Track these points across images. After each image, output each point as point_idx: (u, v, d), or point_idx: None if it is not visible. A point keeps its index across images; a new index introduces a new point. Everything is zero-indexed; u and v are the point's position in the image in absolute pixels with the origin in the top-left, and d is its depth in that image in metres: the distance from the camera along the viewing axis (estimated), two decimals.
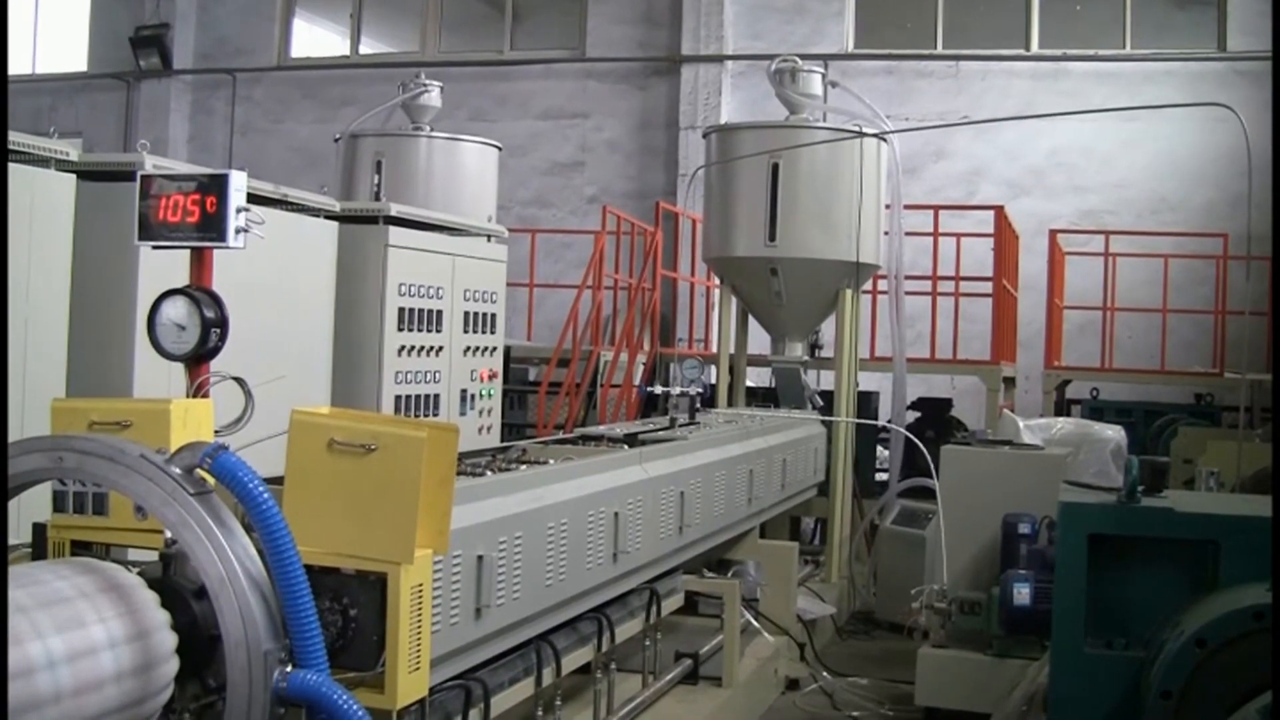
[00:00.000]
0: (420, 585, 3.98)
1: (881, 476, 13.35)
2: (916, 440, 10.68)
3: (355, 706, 3.40)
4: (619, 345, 13.91)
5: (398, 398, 8.11)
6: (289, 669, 3.43)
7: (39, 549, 4.18)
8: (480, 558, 5.00)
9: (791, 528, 12.31)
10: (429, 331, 8.46)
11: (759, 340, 12.89)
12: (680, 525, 7.29)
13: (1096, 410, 14.64)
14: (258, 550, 3.53)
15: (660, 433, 8.14)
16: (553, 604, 5.78)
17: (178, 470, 3.49)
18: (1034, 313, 16.70)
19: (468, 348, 8.90)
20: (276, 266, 7.06)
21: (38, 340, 5.92)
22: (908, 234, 12.98)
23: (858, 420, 12.17)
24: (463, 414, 8.80)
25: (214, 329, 4.78)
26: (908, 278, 12.94)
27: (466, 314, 8.88)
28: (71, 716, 3.17)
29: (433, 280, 8.53)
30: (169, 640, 3.50)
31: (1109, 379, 15.83)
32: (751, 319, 12.75)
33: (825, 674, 9.44)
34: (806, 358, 12.46)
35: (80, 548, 4.07)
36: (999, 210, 14.58)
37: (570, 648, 6.15)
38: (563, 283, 17.38)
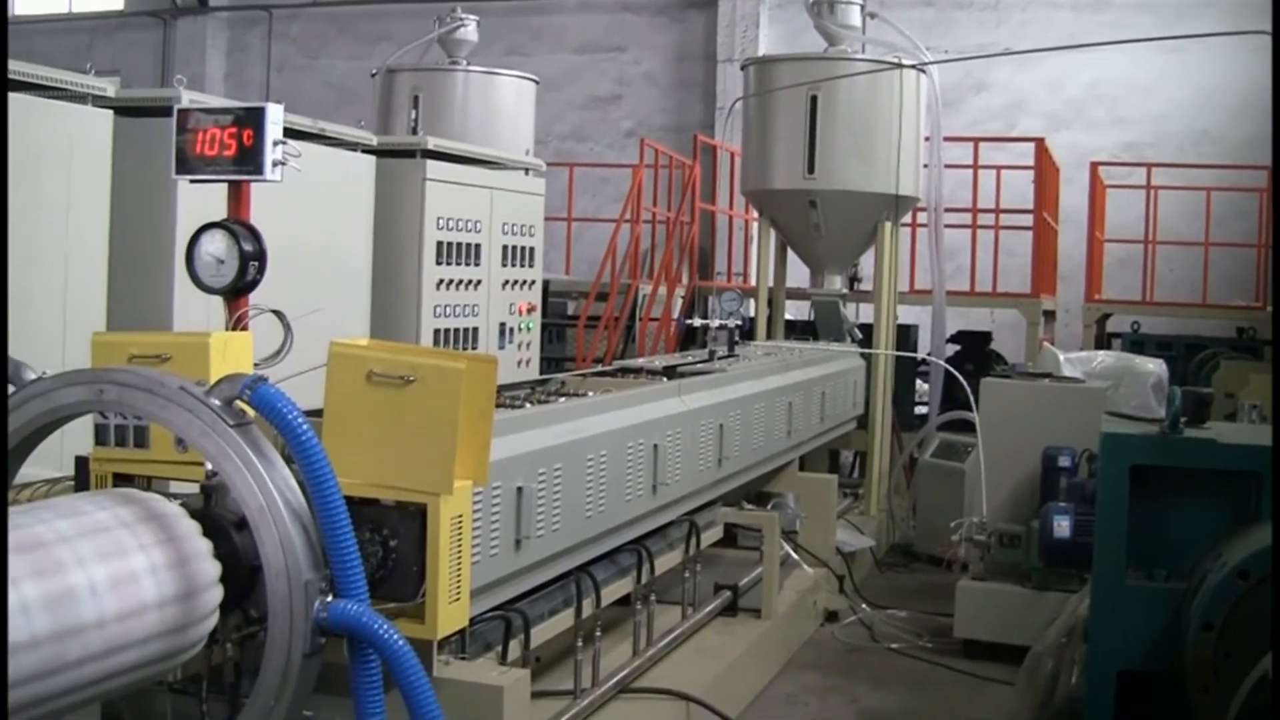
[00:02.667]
0: (460, 516, 3.99)
1: (920, 410, 13.30)
2: (956, 373, 10.65)
3: (396, 636, 3.42)
4: (657, 279, 13.87)
5: (436, 331, 8.11)
6: (329, 599, 3.44)
7: (81, 481, 4.20)
8: (520, 489, 5.02)
9: (830, 461, 12.29)
10: (467, 265, 8.45)
11: (798, 273, 12.84)
12: (719, 457, 7.29)
13: (1137, 344, 14.53)
14: (297, 481, 3.54)
15: (699, 365, 8.13)
16: (592, 536, 5.80)
17: (217, 402, 3.49)
18: (1074, 246, 16.59)
19: (506, 281, 8.89)
20: (315, 200, 7.06)
21: (77, 275, 5.93)
22: (947, 167, 12.88)
23: (897, 353, 12.13)
24: (501, 347, 8.80)
25: (252, 262, 4.79)
26: (947, 210, 12.84)
27: (505, 247, 8.86)
28: (115, 642, 3.20)
29: (471, 214, 8.52)
30: (210, 569, 3.52)
31: (1150, 313, 15.70)
32: (790, 252, 12.70)
33: (864, 606, 9.45)
34: (845, 291, 12.42)
35: (122, 480, 4.09)
36: (1039, 143, 14.46)
37: (610, 579, 6.17)
38: (600, 217, 17.34)
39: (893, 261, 12.01)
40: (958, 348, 13.51)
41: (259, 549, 3.46)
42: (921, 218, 13.20)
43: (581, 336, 13.03)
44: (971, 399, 9.45)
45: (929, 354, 12.60)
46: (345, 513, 3.43)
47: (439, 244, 8.17)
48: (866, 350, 11.66)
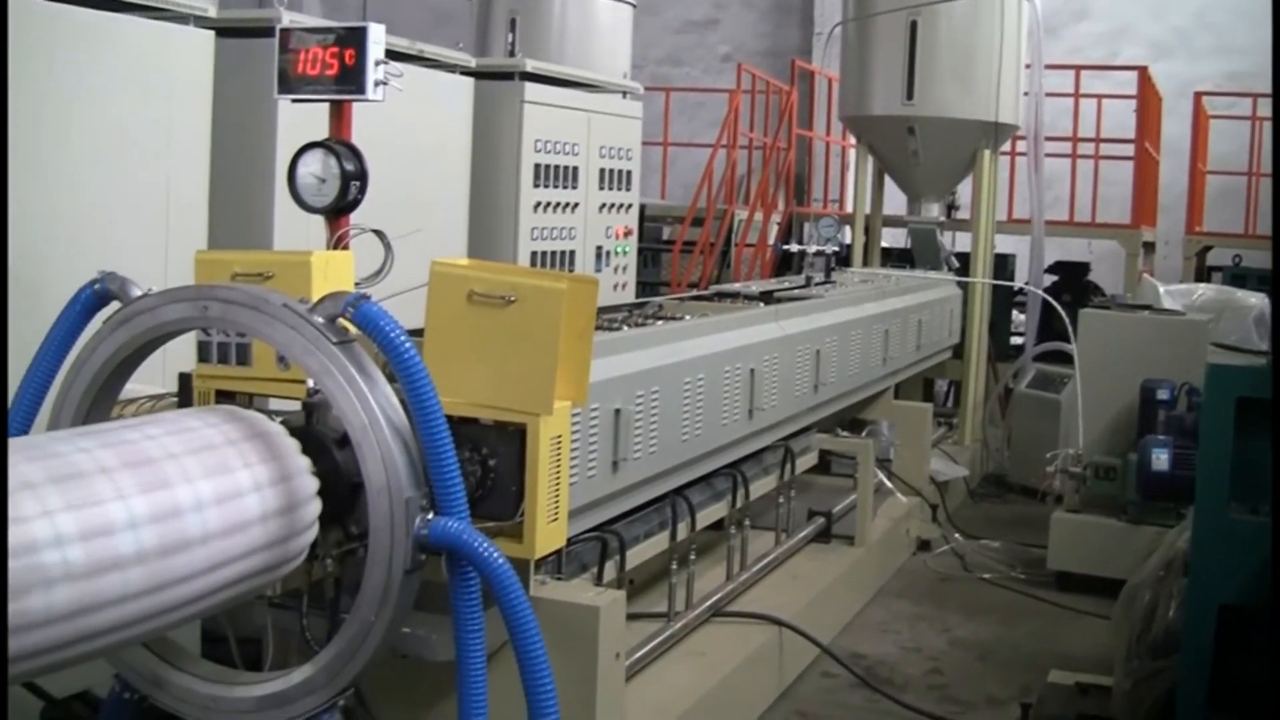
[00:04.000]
0: (559, 437, 4.00)
1: (1016, 340, 13.21)
2: (1054, 303, 10.54)
3: (497, 554, 3.43)
4: (753, 205, 13.81)
5: (533, 254, 8.09)
6: (430, 517, 3.46)
7: (184, 398, 4.25)
8: (618, 411, 5.02)
9: (925, 390, 12.23)
10: (564, 188, 8.43)
11: (895, 200, 12.74)
12: (815, 383, 7.27)
13: (1238, 278, 14.28)
14: (398, 400, 3.55)
15: (796, 291, 8.10)
16: (688, 459, 5.81)
17: (320, 319, 3.51)
18: (1175, 176, 16.32)
19: (603, 204, 8.85)
20: (413, 122, 7.05)
21: (178, 195, 5.96)
22: (1048, 95, 12.72)
23: (994, 282, 12.03)
24: (598, 270, 8.78)
25: (354, 182, 4.80)
26: (1047, 139, 12.68)
27: (602, 171, 8.82)
28: (219, 556, 3.24)
29: (568, 137, 8.48)
30: (311, 484, 3.55)
31: (1252, 246, 15.42)
32: (887, 179, 12.60)
33: (957, 536, 9.43)
34: (942, 219, 12.32)
35: (224, 397, 4.13)
36: (1142, 71, 14.21)
37: (705, 503, 6.19)
38: (696, 142, 17.24)
39: (991, 190, 11.88)
40: (1055, 278, 13.36)
41: (360, 466, 3.48)
42: (1021, 146, 13.06)
43: (677, 261, 13.01)
44: (1070, 330, 9.35)
45: (1026, 284, 12.49)
46: (447, 430, 3.45)
47: (536, 167, 8.15)
48: (963, 279, 11.57)
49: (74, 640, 2.95)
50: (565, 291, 3.91)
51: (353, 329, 3.57)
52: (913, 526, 9.08)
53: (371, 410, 3.45)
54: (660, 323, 6.07)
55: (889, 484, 8.88)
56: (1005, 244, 13.43)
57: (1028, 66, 11.98)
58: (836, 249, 9.71)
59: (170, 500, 3.17)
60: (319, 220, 5.04)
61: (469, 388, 3.90)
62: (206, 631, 5.52)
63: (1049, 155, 12.93)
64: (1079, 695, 5.76)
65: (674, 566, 5.89)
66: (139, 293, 3.76)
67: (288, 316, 3.52)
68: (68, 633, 2.91)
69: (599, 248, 8.85)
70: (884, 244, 13.10)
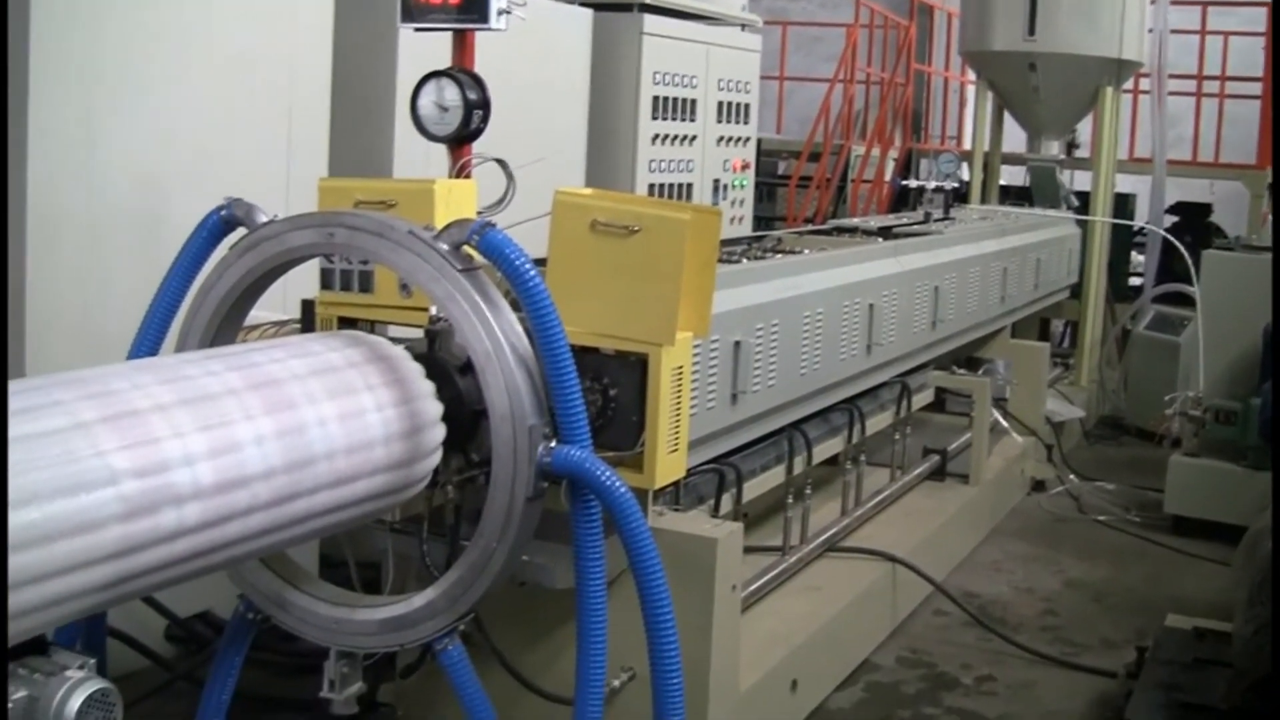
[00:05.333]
0: (680, 367, 4.00)
1: (1135, 281, 13.02)
2: (1177, 243, 10.37)
3: (619, 483, 3.44)
4: (870, 140, 13.70)
5: (650, 186, 8.08)
6: (553, 444, 3.47)
7: (306, 324, 4.29)
8: (738, 344, 5.01)
9: (1041, 329, 12.08)
10: (683, 120, 8.40)
11: (1014, 138, 12.56)
12: (933, 320, 7.21)
13: None
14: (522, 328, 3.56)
15: (915, 227, 8.02)
16: (806, 393, 5.79)
17: (445, 246, 3.52)
18: None
19: (721, 137, 8.82)
20: (533, 53, 7.05)
21: (300, 126, 6.00)
22: (1173, 31, 12.47)
23: (1114, 221, 11.84)
24: (714, 204, 8.75)
25: (476, 111, 4.81)
26: (1171, 77, 12.44)
27: (720, 104, 8.78)
28: (344, 473, 3.29)
29: (687, 69, 8.45)
30: (434, 408, 3.58)
31: None
32: (1007, 115, 12.42)
33: (1072, 477, 9.33)
34: (1063, 157, 12.12)
35: (346, 324, 4.16)
36: (1272, 7, 13.88)
37: (821, 438, 6.16)
38: (813, 76, 17.08)
39: (1112, 128, 11.67)
40: (1175, 219, 13.14)
41: (484, 393, 3.49)
42: (1144, 84, 12.83)
43: (793, 196, 12.95)
44: (1192, 271, 9.20)
45: (1146, 224, 12.30)
46: (571, 359, 3.45)
47: (655, 99, 8.13)
48: (1082, 218, 11.41)
49: (202, 553, 3.02)
50: (689, 222, 3.89)
51: (477, 256, 3.57)
52: (1027, 467, 9.00)
53: (496, 337, 3.45)
54: (779, 256, 6.04)
55: (1004, 423, 8.79)
56: (1125, 183, 13.19)
57: (1152, 2, 11.75)
58: (955, 185, 9.62)
59: (295, 419, 3.21)
60: (437, 151, 5.06)
61: (591, 317, 3.90)
62: (324, 556, 5.60)
63: (1172, 94, 12.68)
64: (1196, 640, 5.69)
65: (789, 500, 5.88)
66: (265, 219, 3.79)
67: (413, 243, 3.53)
68: (196, 546, 2.98)
69: (716, 181, 8.83)
70: (1002, 181, 12.93)
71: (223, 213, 3.85)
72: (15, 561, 2.57)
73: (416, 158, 6.01)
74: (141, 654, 5.36)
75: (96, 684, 2.76)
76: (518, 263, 3.44)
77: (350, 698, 3.84)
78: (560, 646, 4.48)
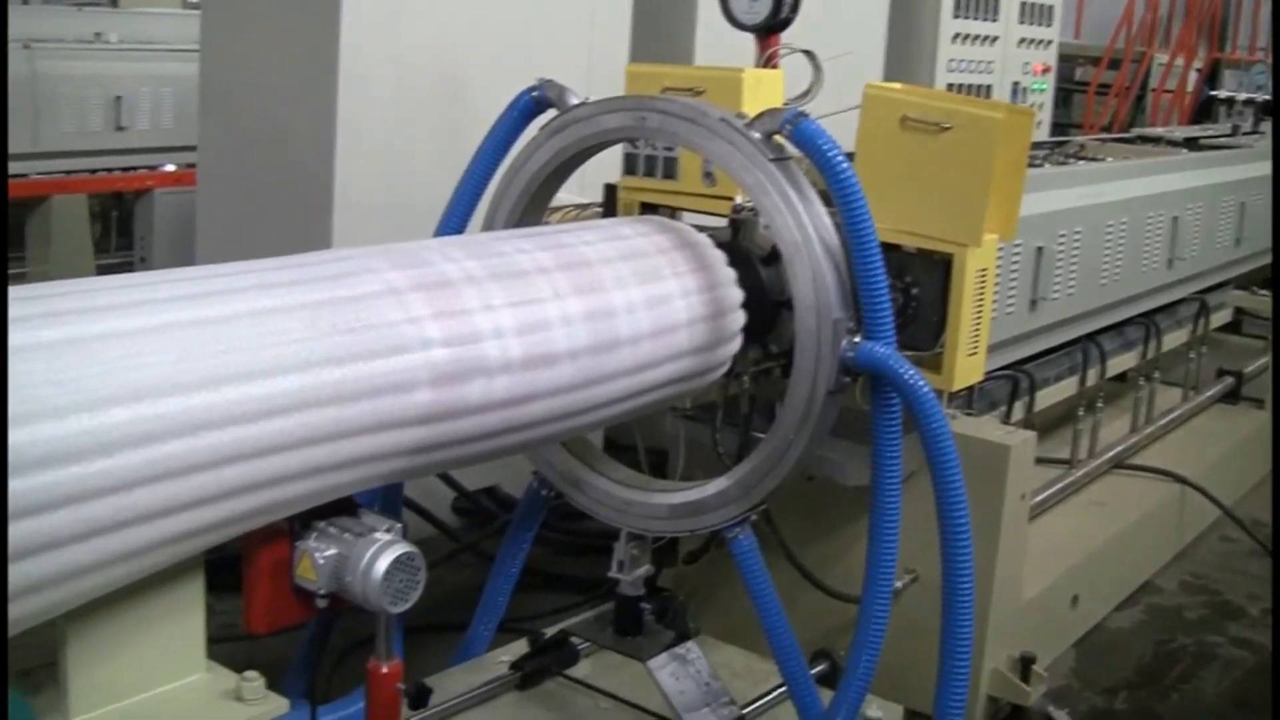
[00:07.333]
0: (984, 270, 3.92)
1: None
2: None
3: (922, 381, 3.39)
4: (1174, 49, 13.24)
5: (949, 85, 7.94)
6: (856, 339, 3.44)
7: (609, 208, 4.32)
8: (1040, 249, 4.91)
9: None
10: (985, 20, 8.23)
11: None
12: (1237, 236, 6.96)
13: None
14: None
15: (1222, 139, 7.74)
16: (1104, 304, 5.66)
17: (758, 135, 3.49)
18: None
19: (1022, 39, 8.61)
20: None
21: (601, 16, 6.03)
22: None
23: None
24: None
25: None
26: None
27: (1023, 4, 8.57)
28: (647, 357, 3.32)
29: None
30: (737, 294, 3.59)
31: None
32: None
33: None
34: None
35: (647, 209, 4.17)
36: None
37: (1116, 351, 6.01)
38: None
39: None
40: None
41: (791, 283, 3.46)
42: None
43: (1091, 103, 12.62)
44: None
45: None
46: (880, 255, 3.39)
47: None
48: None
49: (506, 430, 3.06)
50: (1002, 121, 3.79)
51: (788, 146, 3.53)
52: None
53: (805, 228, 3.42)
54: (1081, 163, 5.89)
55: None
56: None
57: None
58: (1267, 98, 9.23)
59: (603, 302, 3.23)
60: (738, 43, 5.00)
61: (896, 214, 3.84)
62: (608, 440, 5.67)
63: None
64: None
65: (1080, 413, 5.76)
66: (576, 101, 3.80)
67: (726, 130, 3.51)
68: (501, 421, 3.02)
69: (1015, 84, 8.64)
70: None
71: (534, 94, 3.86)
72: (337, 414, 2.66)
73: (718, 50, 5.98)
74: (430, 523, 5.51)
75: (403, 547, 2.83)
76: (830, 154, 3.39)
77: (638, 579, 3.88)
78: (843, 544, 4.48)
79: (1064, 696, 5.00)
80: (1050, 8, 8.89)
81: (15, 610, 2.28)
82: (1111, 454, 6.03)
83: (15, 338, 2.28)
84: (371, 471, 2.84)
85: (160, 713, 2.76)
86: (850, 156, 3.64)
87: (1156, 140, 7.44)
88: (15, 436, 2.19)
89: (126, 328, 2.45)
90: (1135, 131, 8.39)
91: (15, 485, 2.19)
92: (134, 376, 2.39)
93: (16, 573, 2.23)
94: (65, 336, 2.36)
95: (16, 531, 2.21)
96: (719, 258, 3.62)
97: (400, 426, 2.80)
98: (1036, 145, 6.36)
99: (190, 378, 2.46)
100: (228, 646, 3.07)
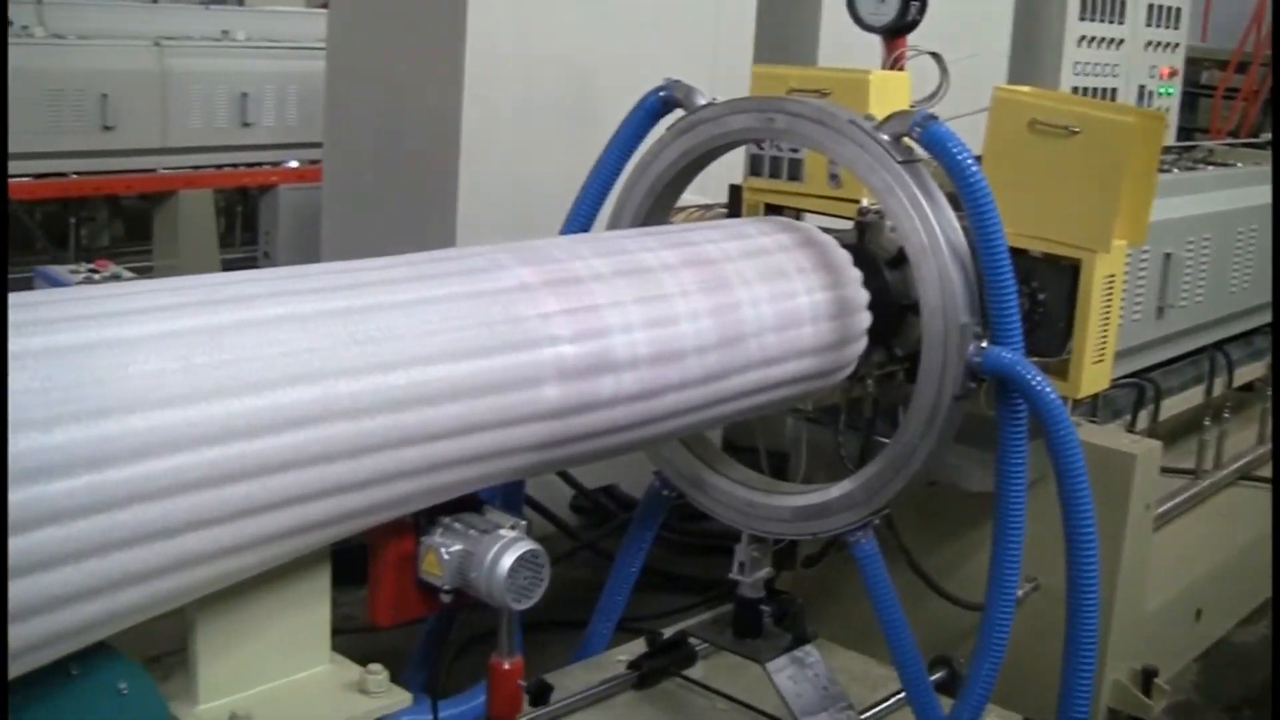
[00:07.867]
0: (1112, 276, 3.87)
1: None
2: None
3: (1050, 388, 3.36)
4: None
5: (1074, 89, 7.86)
6: (983, 344, 3.41)
7: (733, 209, 4.32)
8: (1168, 255, 4.85)
9: None
10: (1112, 23, 8.14)
11: None
12: None
13: None
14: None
15: None
16: (1232, 312, 5.58)
17: (886, 137, 3.47)
18: None
19: (1149, 42, 8.51)
20: None
21: (728, 14, 6.03)
22: None
23: None
24: None
25: (914, 2, 4.72)
26: None
27: (1150, 7, 8.46)
28: (773, 353, 3.34)
29: None
30: (863, 294, 3.58)
31: None
32: None
33: None
34: None
35: (772, 211, 4.16)
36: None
37: (1243, 360, 5.91)
38: None
39: None
40: None
41: (918, 286, 3.44)
42: None
43: (1218, 107, 12.42)
44: None
45: None
46: (1009, 260, 3.36)
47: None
48: None
49: (634, 425, 3.08)
50: (1134, 126, 3.75)
51: (916, 149, 3.51)
52: None
53: (933, 232, 3.40)
54: (1210, 168, 5.80)
55: None
56: None
57: None
58: None
59: (729, 299, 3.25)
60: (863, 45, 4.97)
61: (1023, 218, 3.79)
62: (727, 442, 5.66)
63: None
64: None
65: (1206, 423, 5.67)
66: (704, 101, 3.80)
67: (854, 132, 3.50)
68: (629, 417, 3.04)
69: (1141, 87, 8.53)
70: None
71: (661, 94, 3.87)
72: (463, 409, 2.68)
73: (842, 51, 5.96)
74: (549, 521, 5.54)
75: (527, 545, 2.85)
76: (960, 158, 3.36)
77: (758, 581, 3.88)
78: (964, 551, 4.44)
79: (1186, 712, 4.93)
80: (1177, 10, 8.77)
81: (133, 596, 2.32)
82: (1238, 465, 5.92)
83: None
84: (498, 466, 2.86)
85: (286, 703, 2.80)
86: (978, 160, 3.61)
87: None
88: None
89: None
90: (1265, 137, 8.25)
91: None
92: (281, 363, 2.47)
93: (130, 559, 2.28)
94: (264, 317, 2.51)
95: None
96: (844, 257, 3.61)
97: (528, 421, 2.82)
98: (1164, 150, 6.27)
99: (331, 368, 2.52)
100: (345, 638, 3.11)
